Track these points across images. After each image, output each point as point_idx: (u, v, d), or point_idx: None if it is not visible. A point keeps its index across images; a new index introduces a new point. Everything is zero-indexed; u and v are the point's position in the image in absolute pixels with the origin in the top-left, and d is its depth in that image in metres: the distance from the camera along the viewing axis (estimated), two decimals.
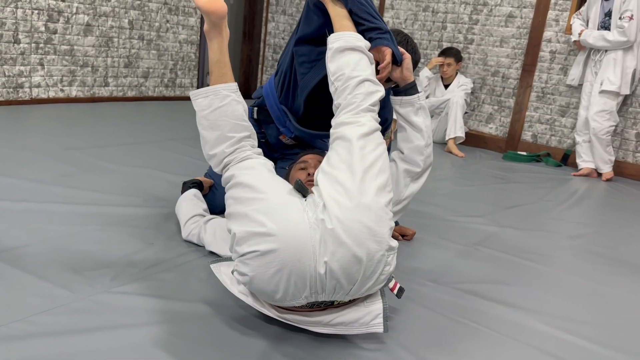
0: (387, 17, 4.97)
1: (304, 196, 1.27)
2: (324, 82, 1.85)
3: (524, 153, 4.27)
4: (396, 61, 1.62)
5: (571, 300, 1.74)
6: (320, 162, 1.72)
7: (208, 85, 1.52)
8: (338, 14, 1.56)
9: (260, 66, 5.98)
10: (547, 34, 4.22)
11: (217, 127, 1.45)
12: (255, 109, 2.13)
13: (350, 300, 1.28)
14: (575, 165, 4.06)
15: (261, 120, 2.10)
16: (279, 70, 2.02)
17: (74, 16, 4.15)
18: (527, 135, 4.43)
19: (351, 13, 1.57)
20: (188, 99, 5.39)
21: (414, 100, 1.60)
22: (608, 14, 3.64)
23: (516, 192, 3.20)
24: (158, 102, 4.85)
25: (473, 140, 4.55)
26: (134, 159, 2.81)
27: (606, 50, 3.68)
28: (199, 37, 5.10)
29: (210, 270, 1.63)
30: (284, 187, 1.31)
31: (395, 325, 1.43)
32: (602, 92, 3.68)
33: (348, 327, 1.28)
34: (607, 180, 3.81)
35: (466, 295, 1.67)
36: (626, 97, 3.85)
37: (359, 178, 1.23)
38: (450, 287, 1.72)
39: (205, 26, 1.52)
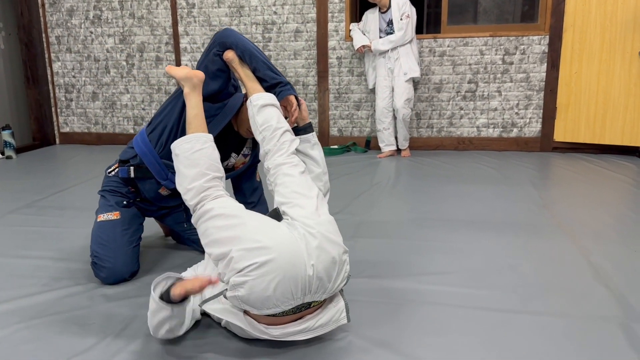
0: (184, 42, 5.16)
1: (279, 221, 1.59)
2: (219, 134, 2.09)
3: (336, 146, 4.96)
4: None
5: (435, 260, 2.33)
6: None
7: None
8: (247, 76, 1.93)
9: (53, 109, 5.60)
10: (332, 43, 4.93)
11: (197, 165, 1.70)
12: (132, 168, 2.24)
13: (321, 303, 1.59)
14: (377, 148, 4.89)
15: (137, 179, 2.23)
16: (156, 127, 2.18)
17: None
18: (334, 131, 5.13)
19: (255, 71, 1.89)
20: None
21: (310, 137, 1.96)
22: (390, 23, 4.45)
23: (350, 182, 3.80)
24: None
25: None
26: None
27: (398, 49, 4.45)
28: None
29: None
30: (262, 215, 1.60)
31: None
32: (408, 80, 4.48)
33: (326, 327, 1.61)
34: (405, 156, 4.71)
35: (372, 280, 2.13)
36: None
37: (314, 201, 1.62)
38: (360, 277, 2.15)
39: (186, 89, 1.87)
